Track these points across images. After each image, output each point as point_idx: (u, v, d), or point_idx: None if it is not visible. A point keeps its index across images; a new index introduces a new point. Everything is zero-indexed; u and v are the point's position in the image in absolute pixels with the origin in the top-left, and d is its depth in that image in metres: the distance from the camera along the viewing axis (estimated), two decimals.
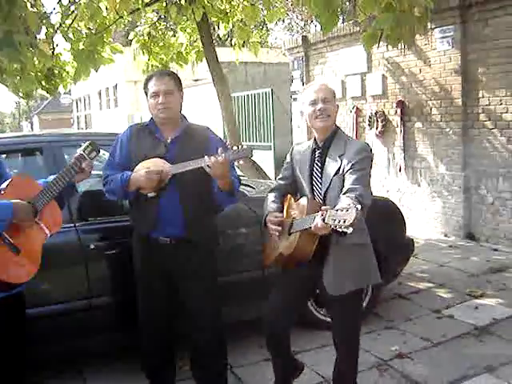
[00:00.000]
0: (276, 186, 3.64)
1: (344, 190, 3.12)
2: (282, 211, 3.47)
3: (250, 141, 14.20)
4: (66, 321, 3.88)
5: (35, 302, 3.61)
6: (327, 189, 3.25)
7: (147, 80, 3.55)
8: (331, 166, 3.26)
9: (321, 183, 3.30)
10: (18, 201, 2.94)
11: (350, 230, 2.69)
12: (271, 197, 3.58)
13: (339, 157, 3.24)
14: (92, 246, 3.91)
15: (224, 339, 3.76)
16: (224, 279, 3.87)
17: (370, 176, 3.27)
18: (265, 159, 12.56)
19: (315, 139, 3.41)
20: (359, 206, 2.74)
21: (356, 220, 2.67)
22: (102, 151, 3.48)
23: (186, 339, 3.73)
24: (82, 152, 3.23)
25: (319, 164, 3.34)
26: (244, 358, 4.45)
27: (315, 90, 3.32)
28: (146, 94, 3.55)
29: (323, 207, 2.89)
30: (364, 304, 4.93)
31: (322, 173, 3.31)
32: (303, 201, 3.30)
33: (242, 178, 3.79)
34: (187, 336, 3.71)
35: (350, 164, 3.17)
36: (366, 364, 4.21)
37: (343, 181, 3.19)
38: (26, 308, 3.31)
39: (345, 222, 2.68)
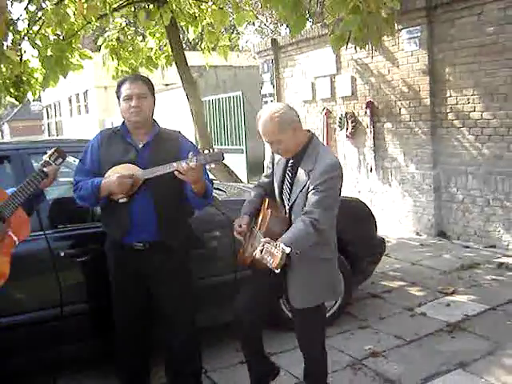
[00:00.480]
0: (259, 183, 3.69)
1: (303, 210, 3.15)
2: (255, 215, 3.50)
3: (222, 144, 14.22)
4: (38, 330, 3.82)
5: (5, 312, 3.59)
6: (293, 202, 3.27)
7: (120, 84, 3.52)
8: (300, 181, 3.25)
9: (289, 195, 3.31)
10: None
11: (277, 271, 2.79)
12: (251, 195, 3.62)
13: (309, 172, 3.20)
14: (62, 254, 3.88)
15: (198, 343, 3.77)
16: (197, 283, 3.86)
17: (339, 192, 3.26)
18: (237, 162, 12.58)
19: None
20: (288, 249, 2.79)
21: (280, 264, 2.75)
22: (70, 157, 3.47)
23: (160, 344, 3.72)
24: (47, 159, 3.23)
25: (290, 175, 3.34)
26: (219, 361, 4.44)
27: (263, 131, 3.27)
28: (119, 98, 3.51)
29: (263, 239, 2.93)
30: (337, 305, 4.98)
31: (291, 184, 3.31)
32: (267, 213, 3.31)
33: (213, 181, 3.78)
34: (162, 341, 3.71)
35: (315, 183, 3.14)
36: (339, 363, 4.25)
37: (306, 199, 3.19)
38: None
39: (272, 262, 2.78)
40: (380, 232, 5.87)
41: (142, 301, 3.62)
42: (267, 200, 3.49)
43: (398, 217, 8.91)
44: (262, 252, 2.84)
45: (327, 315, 4.41)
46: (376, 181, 9.25)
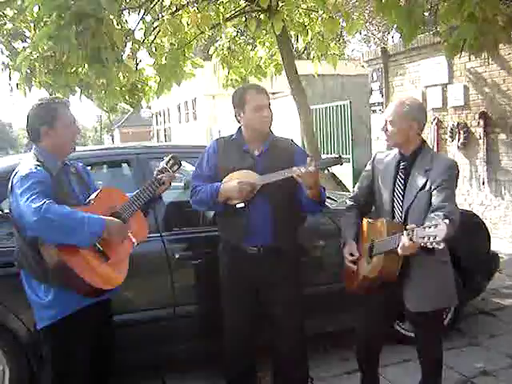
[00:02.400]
0: (353, 201, 3.62)
1: (432, 207, 3.08)
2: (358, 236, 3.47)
3: (328, 153, 14.15)
4: (150, 328, 3.97)
5: (121, 310, 3.72)
6: (411, 203, 3.20)
7: (243, 92, 3.56)
8: (417, 180, 3.21)
9: (402, 196, 3.26)
10: (111, 218, 3.04)
11: (442, 245, 2.67)
12: (349, 218, 3.55)
13: (426, 171, 3.19)
14: (177, 256, 4.00)
15: (306, 350, 3.77)
16: (306, 290, 3.86)
17: (454, 194, 3.22)
18: (343, 171, 12.49)
19: (399, 151, 3.37)
20: (447, 221, 2.70)
21: (447, 235, 2.64)
22: (183, 163, 3.59)
23: (268, 349, 3.75)
24: (164, 165, 3.38)
25: (403, 176, 3.30)
26: (325, 370, 4.42)
27: (388, 109, 3.34)
28: (240, 107, 3.55)
29: (408, 226, 2.87)
30: (446, 320, 4.85)
31: (405, 186, 3.26)
32: (381, 222, 3.26)
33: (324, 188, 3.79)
34: (270, 345, 3.74)
35: (439, 180, 3.12)
36: (449, 381, 4.11)
37: (430, 197, 3.14)
38: (113, 315, 3.43)
39: (435, 237, 2.67)
40: (492, 247, 5.67)
41: (251, 304, 3.66)
42: (366, 220, 3.48)
43: (510, 232, 8.57)
44: (411, 239, 2.79)
45: None
46: (488, 194, 8.95)
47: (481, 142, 8.88)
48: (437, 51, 9.19)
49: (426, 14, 7.98)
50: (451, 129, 9.48)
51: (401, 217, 3.25)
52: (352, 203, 3.60)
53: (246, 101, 3.51)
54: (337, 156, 3.36)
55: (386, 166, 3.41)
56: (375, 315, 3.47)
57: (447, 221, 2.71)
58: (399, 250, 2.92)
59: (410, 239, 2.80)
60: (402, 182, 3.29)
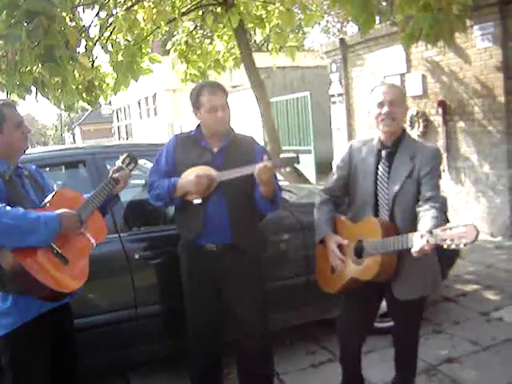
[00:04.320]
0: (327, 193, 3.49)
1: (424, 197, 3.05)
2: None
3: (289, 145, 14.19)
4: (112, 331, 3.91)
5: (83, 313, 3.66)
6: (397, 192, 3.14)
7: (198, 92, 3.52)
8: (402, 168, 3.15)
9: (387, 184, 3.18)
10: (64, 210, 2.98)
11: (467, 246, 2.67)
12: (324, 213, 3.44)
13: (411, 159, 3.14)
14: (137, 256, 3.95)
15: (270, 346, 3.76)
16: (268, 286, 3.84)
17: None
18: (305, 163, 12.52)
19: (379, 139, 3.29)
20: (473, 224, 2.68)
21: (477, 237, 2.64)
22: (144, 161, 3.54)
23: (232, 345, 3.73)
24: (120, 164, 3.34)
25: (387, 164, 3.22)
26: (290, 364, 4.42)
27: (383, 91, 3.21)
28: (196, 107, 3.53)
29: (422, 231, 2.80)
30: None
31: (389, 174, 3.19)
32: (372, 221, 3.16)
33: (283, 183, 3.77)
34: (234, 342, 3.72)
35: (427, 169, 3.09)
36: None
37: (417, 186, 3.11)
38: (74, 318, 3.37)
39: (463, 239, 2.63)
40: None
41: (213, 302, 3.64)
42: (341, 218, 3.40)
43: (471, 218, 8.67)
44: (431, 242, 2.73)
45: None
46: (449, 181, 9.04)
47: (440, 130, 8.96)
48: (394, 41, 9.23)
49: (383, 3, 8.02)
50: (410, 118, 9.52)
51: (387, 205, 3.18)
52: (326, 196, 3.48)
53: (201, 102, 3.49)
54: (294, 156, 3.32)
55: (365, 155, 3.31)
56: (357, 312, 3.41)
57: (473, 224, 2.68)
58: (414, 252, 2.81)
59: (428, 241, 2.73)
60: (387, 169, 3.20)
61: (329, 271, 3.40)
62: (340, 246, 3.28)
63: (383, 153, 3.24)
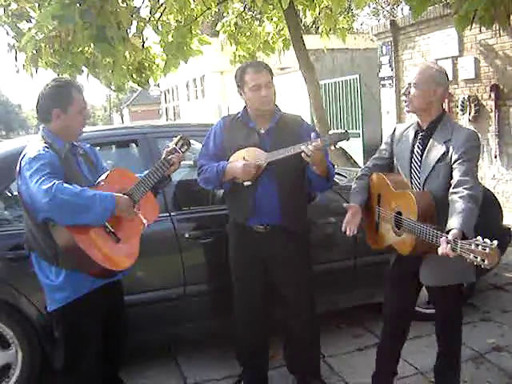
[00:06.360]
0: (366, 171, 3.50)
1: (454, 181, 2.95)
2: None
3: (338, 128, 14.07)
4: (161, 308, 3.97)
5: (133, 290, 3.74)
6: (428, 175, 3.11)
7: (242, 71, 3.53)
8: (434, 151, 3.11)
9: (419, 168, 3.17)
10: (120, 194, 3.04)
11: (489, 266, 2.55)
12: (359, 185, 3.46)
13: (445, 142, 3.08)
14: (187, 235, 3.99)
15: (318, 328, 3.77)
16: (316, 268, 3.84)
17: (476, 166, 3.09)
18: (353, 147, 12.41)
19: (418, 122, 3.27)
20: (495, 242, 2.54)
21: (497, 263, 2.57)
22: (192, 142, 3.57)
23: (279, 327, 3.75)
24: (173, 146, 3.35)
25: (420, 147, 3.20)
26: (337, 347, 4.43)
27: (412, 72, 3.20)
28: (241, 87, 3.54)
29: (450, 236, 2.71)
30: None
31: (421, 157, 3.17)
32: (409, 195, 3.09)
33: (334, 165, 3.74)
34: (281, 324, 3.74)
35: (460, 153, 2.99)
36: (461, 357, 4.11)
37: (450, 170, 3.04)
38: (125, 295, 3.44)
39: (484, 261, 2.51)
40: (504, 221, 5.62)
41: (261, 282, 3.66)
42: (382, 176, 3.37)
43: None
44: (453, 250, 2.66)
45: None
46: (500, 167, 8.87)
47: (492, 115, 8.78)
48: (447, 23, 9.07)
49: None
50: (462, 102, 9.37)
51: (419, 189, 3.16)
52: (365, 173, 3.49)
53: (245, 81, 3.50)
54: (343, 131, 3.29)
55: (405, 137, 3.31)
56: (402, 292, 3.41)
57: (496, 242, 2.54)
58: (439, 252, 2.76)
59: (453, 250, 2.66)
60: (420, 152, 3.19)
61: (374, 228, 3.41)
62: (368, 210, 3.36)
63: (419, 136, 3.24)
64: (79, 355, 3.16)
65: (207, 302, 4.13)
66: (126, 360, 3.63)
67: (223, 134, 3.61)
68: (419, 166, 3.17)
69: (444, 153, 3.07)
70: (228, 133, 3.60)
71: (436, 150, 3.11)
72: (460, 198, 2.85)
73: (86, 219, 2.89)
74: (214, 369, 4.23)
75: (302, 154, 3.21)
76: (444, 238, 2.71)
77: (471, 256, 2.55)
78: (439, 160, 3.08)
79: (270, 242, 3.52)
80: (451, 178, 3.02)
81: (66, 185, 2.84)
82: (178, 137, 3.43)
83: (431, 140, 3.16)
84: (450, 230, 2.73)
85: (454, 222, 2.78)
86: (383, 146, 3.48)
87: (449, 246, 2.67)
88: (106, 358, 3.32)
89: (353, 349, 4.41)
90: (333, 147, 3.29)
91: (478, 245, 2.54)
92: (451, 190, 2.95)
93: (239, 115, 3.63)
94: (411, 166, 3.22)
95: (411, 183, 3.21)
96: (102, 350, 3.26)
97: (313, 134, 3.25)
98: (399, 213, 3.15)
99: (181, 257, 3.99)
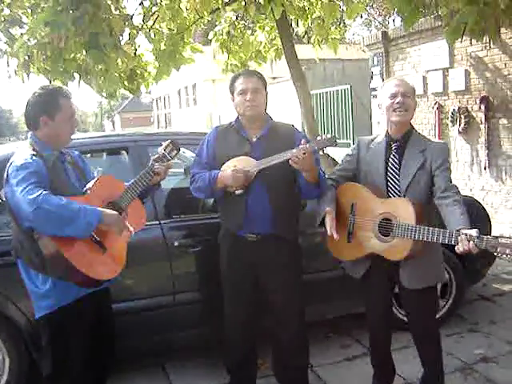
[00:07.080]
0: (332, 180, 3.56)
1: (441, 187, 3.15)
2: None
3: None
4: (150, 316, 3.96)
5: (121, 298, 3.73)
6: (409, 183, 3.23)
7: (234, 79, 3.59)
8: (413, 160, 3.25)
9: (398, 177, 3.27)
10: (108, 210, 3.02)
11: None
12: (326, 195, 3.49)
13: (421, 152, 3.24)
14: (176, 243, 3.98)
15: (306, 337, 3.76)
16: (304, 278, 3.83)
17: None
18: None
19: (387, 133, 3.38)
20: None
21: None
22: (183, 150, 3.57)
23: (268, 335, 3.75)
24: (162, 151, 3.36)
25: (397, 156, 3.31)
26: (325, 357, 4.43)
27: (396, 83, 3.32)
28: (232, 93, 3.58)
29: (473, 233, 2.83)
30: (447, 306, 4.86)
31: (400, 166, 3.28)
32: (403, 204, 3.19)
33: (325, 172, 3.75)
34: (270, 332, 3.74)
35: (440, 161, 3.20)
36: (449, 367, 4.09)
37: (430, 177, 3.20)
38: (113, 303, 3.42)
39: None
40: (493, 232, 5.65)
41: (251, 292, 3.65)
42: (358, 185, 3.42)
43: (511, 217, 8.54)
44: (480, 246, 2.78)
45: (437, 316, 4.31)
46: (489, 179, 8.91)
47: (482, 126, 8.82)
48: (438, 35, 9.12)
49: None
50: (452, 113, 9.40)
51: (398, 196, 3.27)
52: (331, 183, 3.55)
53: (235, 87, 3.55)
54: (331, 136, 3.30)
55: (375, 150, 3.41)
56: (378, 296, 3.50)
57: None
58: (457, 251, 2.88)
59: (477, 246, 2.79)
60: (397, 162, 3.30)
61: (344, 240, 3.41)
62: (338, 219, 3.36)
63: (393, 146, 3.34)
64: (66, 362, 3.14)
65: (197, 309, 4.12)
66: (114, 368, 3.61)
67: (216, 143, 3.62)
68: (397, 175, 3.28)
69: (423, 161, 3.22)
70: (220, 142, 3.61)
71: (414, 158, 3.25)
72: (455, 201, 3.07)
73: (69, 232, 2.86)
74: (202, 377, 4.23)
75: (291, 161, 3.23)
76: (464, 235, 2.84)
77: (499, 249, 2.72)
78: (420, 168, 3.23)
79: (261, 250, 3.52)
80: (432, 185, 3.21)
81: (51, 196, 2.83)
82: (168, 141, 3.42)
83: (407, 150, 3.29)
84: (460, 229, 2.88)
85: (463, 221, 2.96)
86: (348, 158, 3.57)
87: (471, 242, 2.79)
88: (93, 365, 3.30)
89: (341, 359, 4.41)
90: (321, 152, 3.33)
91: (502, 237, 2.73)
92: (440, 194, 3.14)
93: (232, 124, 3.64)
94: (387, 175, 3.31)
95: (387, 191, 3.30)
96: (90, 357, 3.24)
97: (303, 140, 3.29)
98: (386, 219, 3.20)
99: (170, 265, 3.98)
